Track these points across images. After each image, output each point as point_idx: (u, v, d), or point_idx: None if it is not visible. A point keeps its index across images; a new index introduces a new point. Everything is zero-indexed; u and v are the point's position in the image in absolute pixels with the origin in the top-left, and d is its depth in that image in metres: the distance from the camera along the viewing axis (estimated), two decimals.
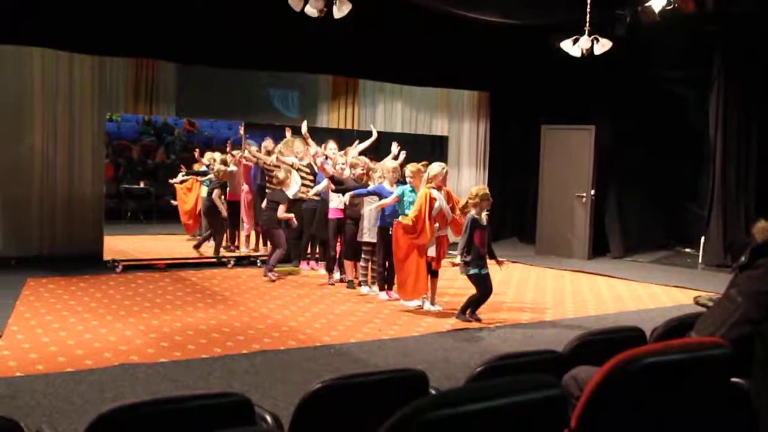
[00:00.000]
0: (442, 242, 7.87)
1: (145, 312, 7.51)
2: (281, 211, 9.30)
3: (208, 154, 11.56)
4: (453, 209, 7.79)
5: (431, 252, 7.74)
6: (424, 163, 8.16)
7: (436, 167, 7.75)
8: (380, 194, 8.35)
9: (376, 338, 6.86)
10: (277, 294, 8.70)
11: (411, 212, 7.71)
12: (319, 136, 10.82)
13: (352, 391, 2.72)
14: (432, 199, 7.63)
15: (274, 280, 9.36)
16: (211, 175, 10.97)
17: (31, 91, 10.12)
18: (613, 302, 9.07)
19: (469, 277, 7.50)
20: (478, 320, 7.60)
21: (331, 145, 10.25)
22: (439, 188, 7.70)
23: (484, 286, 7.52)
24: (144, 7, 10.13)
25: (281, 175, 9.53)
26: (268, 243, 9.87)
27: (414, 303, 8.06)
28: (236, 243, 11.13)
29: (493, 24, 11.20)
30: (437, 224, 7.70)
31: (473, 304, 7.60)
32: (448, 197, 7.81)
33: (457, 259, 7.88)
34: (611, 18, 10.69)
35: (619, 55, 10.14)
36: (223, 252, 10.67)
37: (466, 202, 7.52)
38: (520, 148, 13.81)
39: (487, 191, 7.58)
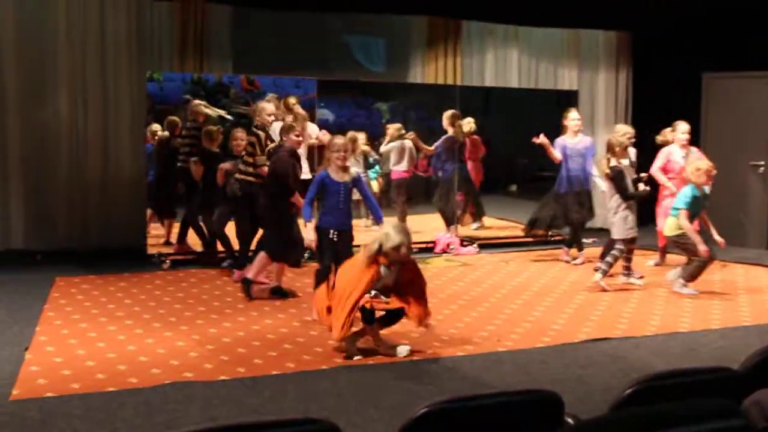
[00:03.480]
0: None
1: (200, 318, 7.72)
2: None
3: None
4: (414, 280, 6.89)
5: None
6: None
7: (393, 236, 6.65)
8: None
9: (490, 350, 6.86)
10: None
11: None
12: (415, 94, 10.80)
13: (466, 418, 2.73)
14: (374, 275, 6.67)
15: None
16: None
17: (54, 44, 10.46)
18: None
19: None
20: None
21: (573, 115, 10.58)
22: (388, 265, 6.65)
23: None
24: None
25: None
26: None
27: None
28: None
29: None
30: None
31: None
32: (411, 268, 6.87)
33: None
34: None
35: None
36: None
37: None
38: (674, 103, 13.45)
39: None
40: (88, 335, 7.03)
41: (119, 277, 9.35)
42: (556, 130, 10.60)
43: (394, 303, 6.69)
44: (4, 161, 10.32)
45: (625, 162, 9.32)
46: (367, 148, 12.42)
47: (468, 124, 11.87)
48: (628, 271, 9.38)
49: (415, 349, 6.74)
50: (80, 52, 10.57)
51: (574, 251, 10.72)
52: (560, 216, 10.56)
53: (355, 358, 6.51)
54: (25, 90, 10.35)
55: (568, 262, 10.60)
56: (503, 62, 13.05)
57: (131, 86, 10.80)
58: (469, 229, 12.41)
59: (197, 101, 10.63)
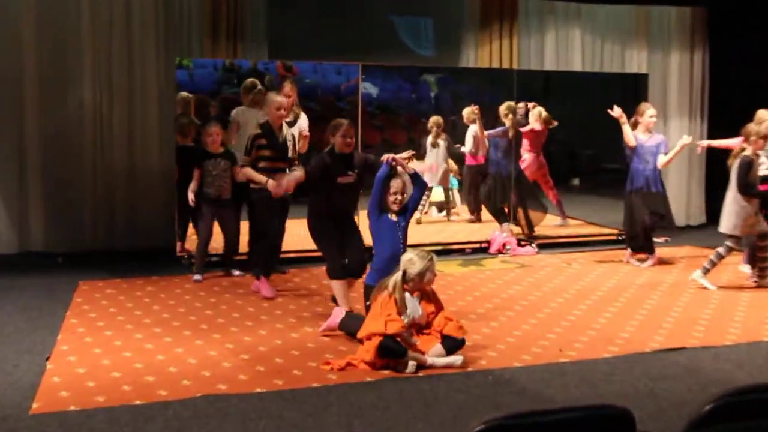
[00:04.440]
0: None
1: (234, 325, 7.75)
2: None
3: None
4: (437, 312, 6.91)
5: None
6: None
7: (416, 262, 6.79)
8: None
9: (551, 361, 6.82)
10: None
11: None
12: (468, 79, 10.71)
13: None
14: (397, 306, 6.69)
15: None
16: None
17: (76, 29, 10.56)
18: None
19: None
20: None
21: (651, 111, 10.47)
22: (411, 292, 6.78)
23: None
24: None
25: None
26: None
27: None
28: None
29: None
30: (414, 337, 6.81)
31: None
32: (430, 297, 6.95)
33: None
34: None
35: None
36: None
37: None
38: (755, 86, 13.30)
39: None
40: (114, 344, 7.09)
41: (147, 280, 9.43)
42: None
43: (424, 344, 6.69)
44: (23, 155, 10.46)
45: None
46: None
47: (536, 110, 11.86)
48: (710, 266, 9.26)
49: (468, 360, 6.71)
50: (104, 37, 10.65)
51: (641, 254, 10.60)
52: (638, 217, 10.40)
53: (407, 370, 6.48)
54: (45, 79, 10.46)
55: (638, 265, 10.47)
56: (564, 43, 12.96)
57: (159, 74, 10.88)
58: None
59: None
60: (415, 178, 7.52)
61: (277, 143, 8.74)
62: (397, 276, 6.71)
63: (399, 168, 7.45)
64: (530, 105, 11.98)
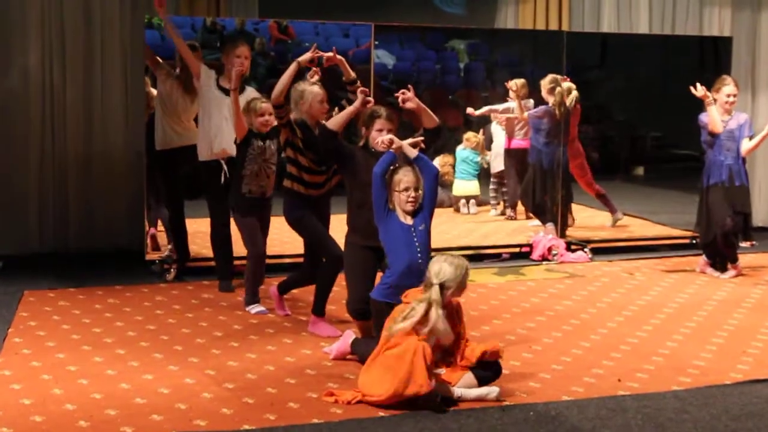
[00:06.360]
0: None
1: (216, 346, 7.76)
2: None
3: None
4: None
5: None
6: None
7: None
8: None
9: (607, 394, 6.80)
10: None
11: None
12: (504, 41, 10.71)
13: None
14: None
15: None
16: None
17: None
18: None
19: None
20: None
21: (728, 89, 10.31)
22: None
23: None
24: None
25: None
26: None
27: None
28: None
29: None
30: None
31: None
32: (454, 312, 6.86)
33: None
34: None
35: None
36: None
37: None
38: None
39: None
40: (67, 369, 7.09)
41: (108, 290, 9.45)
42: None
43: (450, 374, 6.66)
44: None
45: None
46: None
47: (569, 90, 11.76)
48: None
49: (505, 392, 6.70)
50: None
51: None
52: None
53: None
54: None
55: (716, 276, 10.44)
56: (627, 1, 12.92)
57: (123, 35, 10.89)
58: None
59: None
60: (420, 162, 7.27)
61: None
62: (433, 296, 6.51)
63: (399, 150, 7.24)
64: (559, 78, 11.83)
